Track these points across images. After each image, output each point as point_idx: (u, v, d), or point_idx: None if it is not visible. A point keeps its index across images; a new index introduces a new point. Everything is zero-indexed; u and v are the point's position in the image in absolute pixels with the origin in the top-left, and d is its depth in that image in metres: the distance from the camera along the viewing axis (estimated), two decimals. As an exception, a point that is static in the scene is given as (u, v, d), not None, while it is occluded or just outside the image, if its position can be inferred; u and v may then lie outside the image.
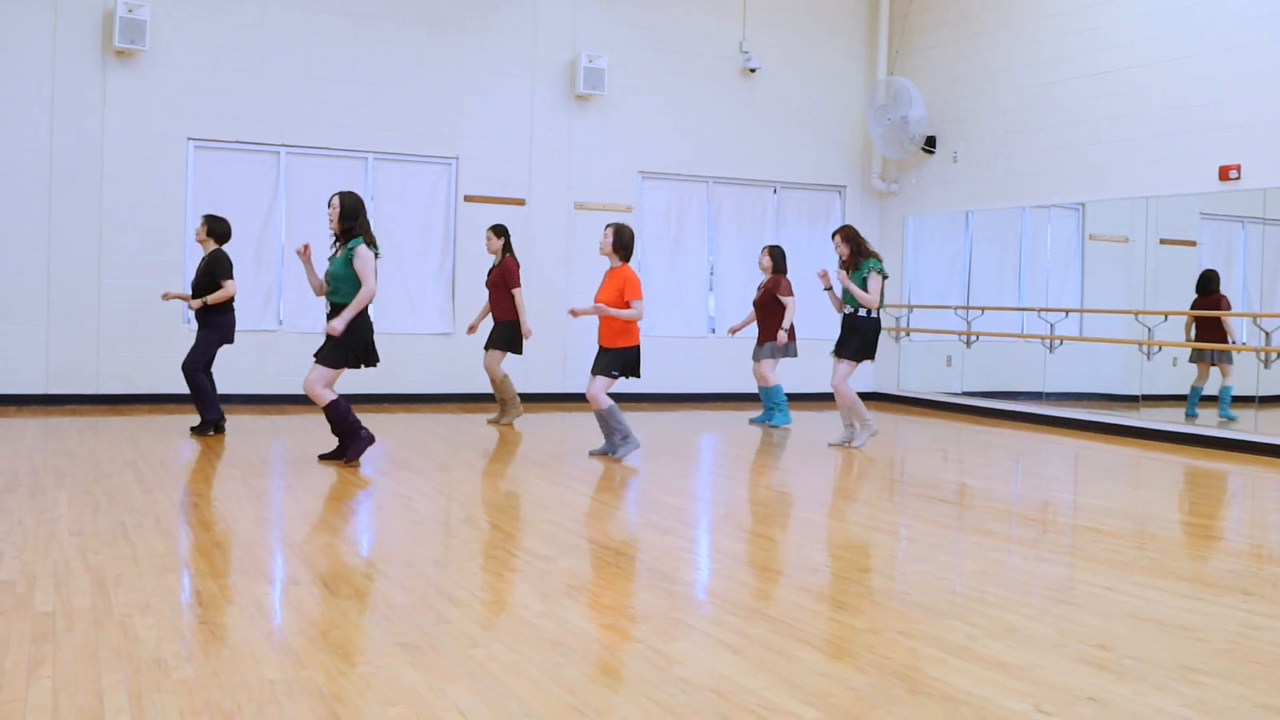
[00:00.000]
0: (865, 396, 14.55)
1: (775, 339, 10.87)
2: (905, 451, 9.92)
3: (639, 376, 8.65)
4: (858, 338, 9.49)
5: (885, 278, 9.51)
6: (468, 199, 12.83)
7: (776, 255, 11.12)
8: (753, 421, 11.53)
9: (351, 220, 7.78)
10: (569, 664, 3.80)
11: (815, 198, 14.69)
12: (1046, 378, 12.52)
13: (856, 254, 9.48)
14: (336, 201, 7.83)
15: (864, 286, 9.39)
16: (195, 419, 9.77)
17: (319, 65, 12.13)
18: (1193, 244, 11.69)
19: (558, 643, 4.04)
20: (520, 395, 11.20)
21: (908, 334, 14.28)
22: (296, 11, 12.05)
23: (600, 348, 8.57)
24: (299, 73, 12.04)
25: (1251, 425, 10.40)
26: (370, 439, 7.98)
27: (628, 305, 8.36)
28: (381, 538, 6.10)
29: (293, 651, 3.85)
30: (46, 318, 11.21)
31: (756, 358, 11.15)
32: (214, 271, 9.25)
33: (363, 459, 8.07)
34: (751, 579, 5.20)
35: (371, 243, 7.81)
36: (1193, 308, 11.15)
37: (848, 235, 9.59)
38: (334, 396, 7.80)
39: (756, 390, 11.77)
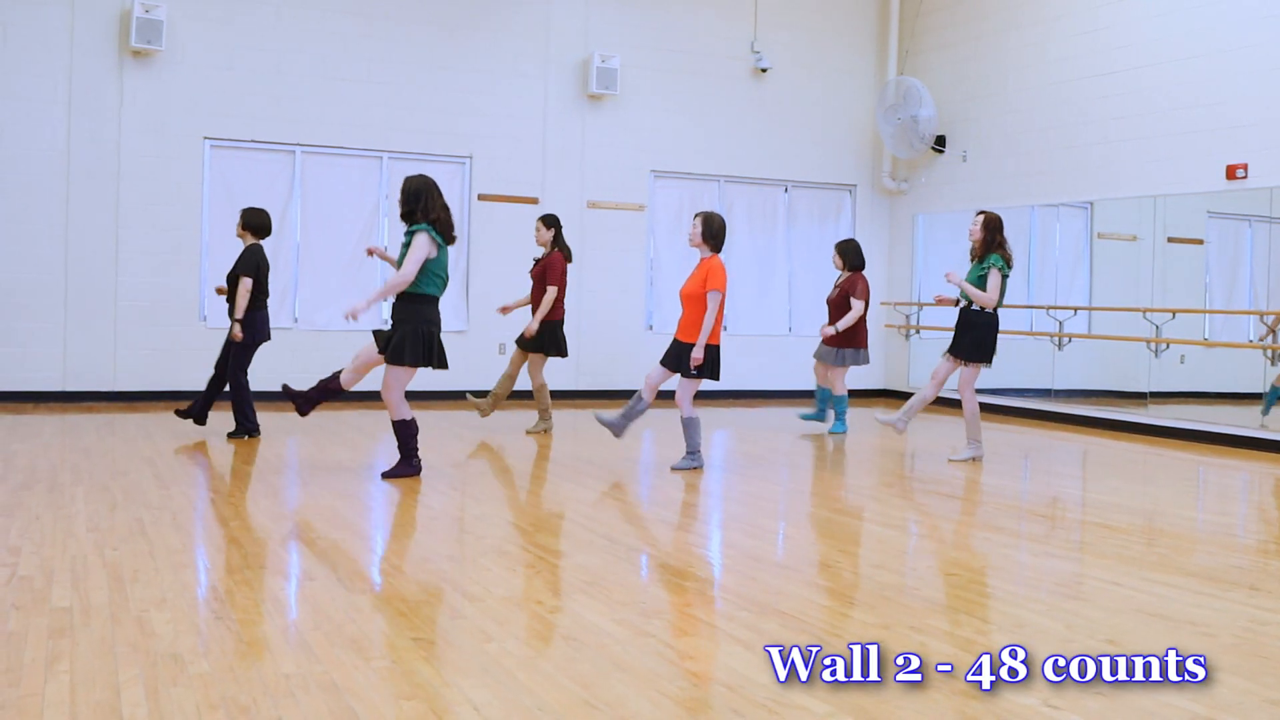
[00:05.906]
0: (875, 394, 14.61)
1: (853, 344, 10.28)
2: (915, 447, 9.94)
3: (716, 379, 8.02)
4: (971, 335, 8.73)
5: (1005, 276, 8.61)
6: (481, 198, 12.89)
7: (846, 250, 10.41)
8: (804, 418, 11.07)
9: (413, 203, 7.10)
10: (582, 658, 3.85)
11: (826, 196, 14.71)
12: (1055, 375, 12.53)
13: (987, 245, 8.60)
14: (402, 185, 7.23)
15: (982, 284, 8.62)
16: (223, 418, 9.63)
17: (333, 65, 12.19)
18: (1200, 242, 11.70)
19: (571, 637, 4.09)
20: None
21: (917, 331, 14.29)
22: (311, 12, 12.11)
23: (675, 340, 7.96)
24: (314, 73, 12.11)
25: (1256, 422, 10.40)
26: (417, 470, 7.42)
27: (707, 295, 7.74)
28: (396, 533, 6.15)
29: (308, 646, 3.90)
30: (64, 315, 11.29)
31: (832, 362, 10.38)
32: (236, 267, 8.85)
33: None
34: (763, 574, 5.23)
35: (436, 226, 7.09)
36: None
37: (988, 223, 8.63)
38: (409, 415, 7.28)
39: (815, 389, 10.98)
